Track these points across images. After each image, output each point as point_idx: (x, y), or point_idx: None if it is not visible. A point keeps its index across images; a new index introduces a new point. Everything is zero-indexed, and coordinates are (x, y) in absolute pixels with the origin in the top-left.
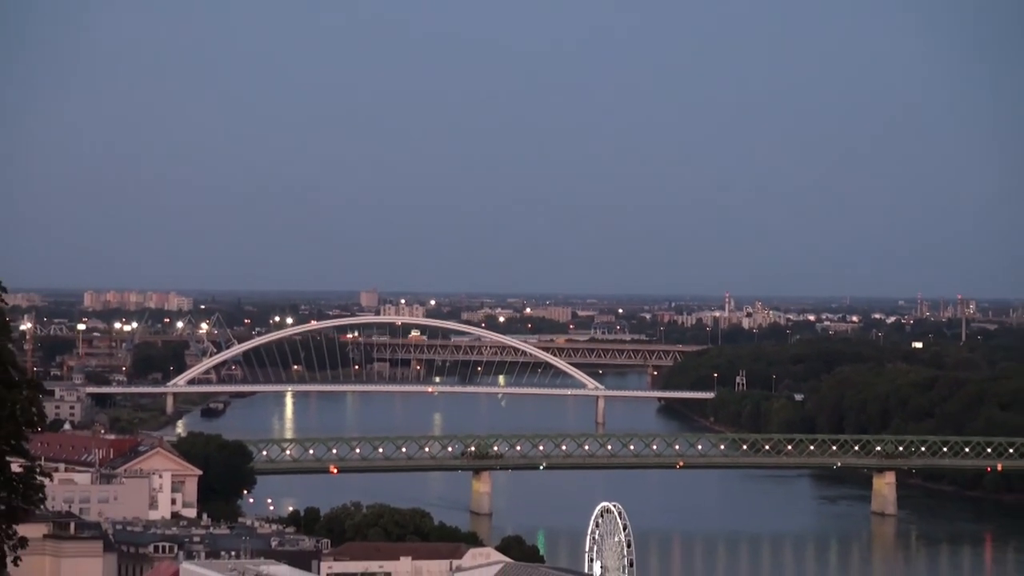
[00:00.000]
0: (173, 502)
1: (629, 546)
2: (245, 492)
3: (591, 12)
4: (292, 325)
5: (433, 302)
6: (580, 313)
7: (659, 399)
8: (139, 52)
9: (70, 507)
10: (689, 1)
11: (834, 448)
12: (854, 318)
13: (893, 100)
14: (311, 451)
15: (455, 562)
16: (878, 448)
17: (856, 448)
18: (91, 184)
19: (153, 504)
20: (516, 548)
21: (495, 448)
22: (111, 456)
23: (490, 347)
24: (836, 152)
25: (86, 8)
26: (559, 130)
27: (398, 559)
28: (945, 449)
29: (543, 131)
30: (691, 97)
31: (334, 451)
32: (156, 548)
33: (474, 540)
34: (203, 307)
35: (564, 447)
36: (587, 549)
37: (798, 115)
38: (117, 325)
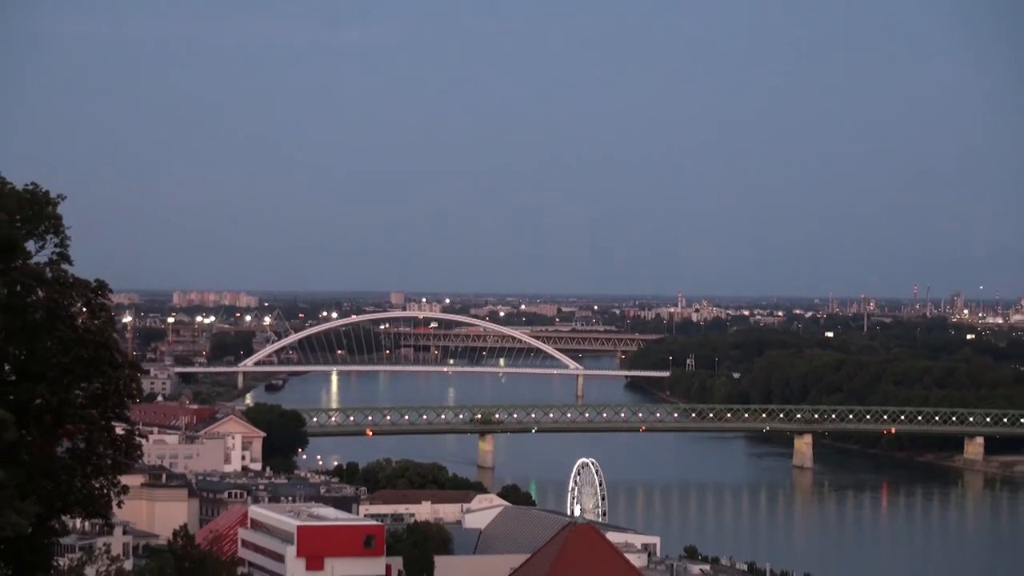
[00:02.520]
0: (243, 458)
1: (604, 499)
2: (299, 450)
3: (597, 28)
4: (337, 319)
5: (447, 300)
6: (564, 309)
7: (626, 377)
8: (203, 59)
9: (162, 462)
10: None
11: (764, 415)
12: (779, 313)
13: (818, 125)
14: (351, 418)
15: (465, 505)
16: (798, 415)
17: (781, 415)
18: (177, 203)
19: (227, 459)
20: (513, 494)
21: (497, 415)
22: (194, 422)
23: (492, 336)
24: (766, 178)
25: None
26: (549, 155)
27: (420, 503)
28: (851, 416)
29: (535, 157)
30: (660, 124)
31: (370, 418)
32: (230, 494)
33: (480, 488)
34: (267, 304)
35: (551, 415)
36: (569, 492)
37: (735, 141)
38: (199, 318)
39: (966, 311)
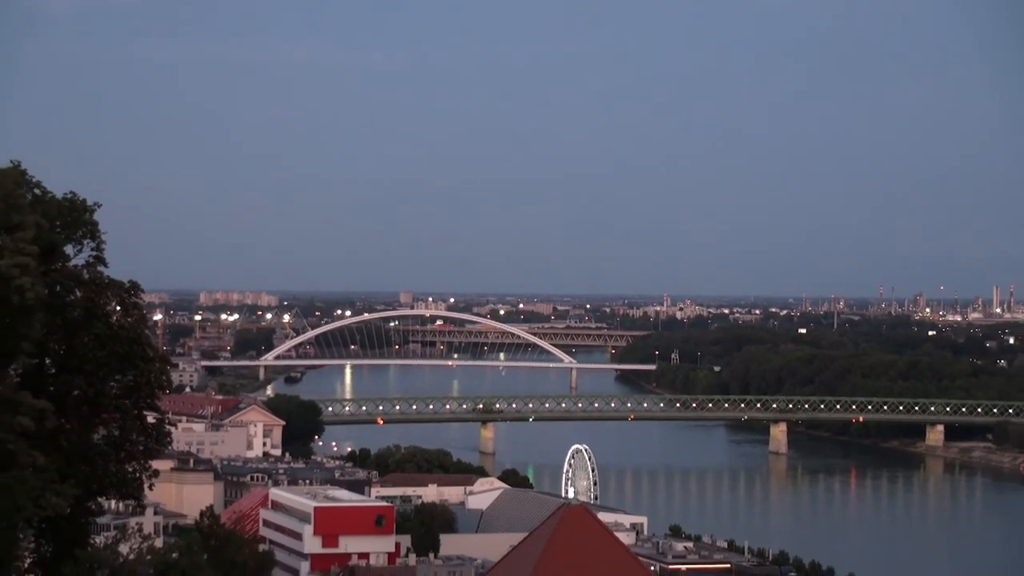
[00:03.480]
0: (264, 444)
1: (595, 483)
2: (316, 437)
3: (597, 35)
4: (350, 316)
5: (452, 299)
6: (559, 308)
7: (616, 370)
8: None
9: (190, 448)
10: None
11: (742, 405)
12: (756, 312)
13: (787, 143)
14: (364, 408)
15: (468, 488)
16: (774, 405)
17: (758, 405)
18: (205, 211)
19: (249, 446)
20: (512, 478)
21: (497, 405)
22: (219, 411)
23: (493, 332)
24: (744, 189)
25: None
26: (546, 168)
27: (427, 486)
28: (822, 406)
29: (533, 169)
30: (646, 133)
31: (380, 407)
32: (252, 477)
33: (482, 472)
34: (286, 303)
35: (547, 405)
36: (564, 476)
37: (717, 157)
38: (223, 316)
39: (928, 309)
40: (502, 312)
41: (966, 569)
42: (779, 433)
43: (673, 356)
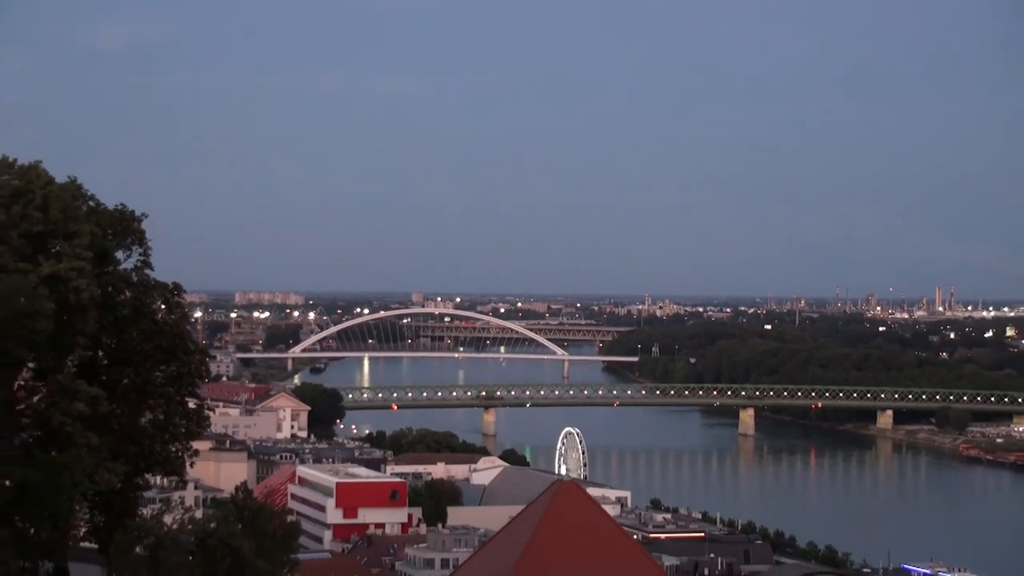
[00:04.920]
0: (292, 427)
1: (585, 466)
2: (338, 421)
3: (590, 33)
4: (368, 314)
5: (458, 299)
6: (553, 306)
7: (603, 362)
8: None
9: (226, 430)
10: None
11: (715, 393)
12: (727, 310)
13: (771, 134)
14: (380, 395)
15: (472, 466)
16: (743, 393)
17: (729, 393)
18: (239, 220)
19: (279, 428)
20: (511, 457)
21: (498, 392)
22: (252, 397)
23: (495, 328)
24: (719, 200)
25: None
26: (542, 184)
27: (436, 464)
28: (785, 393)
29: (531, 185)
30: (634, 135)
31: (395, 395)
32: (281, 457)
33: (485, 452)
34: (311, 302)
35: (542, 392)
36: (557, 455)
37: (695, 173)
38: (256, 314)
39: (878, 308)
40: (502, 310)
41: (912, 534)
42: (747, 417)
43: (654, 349)
